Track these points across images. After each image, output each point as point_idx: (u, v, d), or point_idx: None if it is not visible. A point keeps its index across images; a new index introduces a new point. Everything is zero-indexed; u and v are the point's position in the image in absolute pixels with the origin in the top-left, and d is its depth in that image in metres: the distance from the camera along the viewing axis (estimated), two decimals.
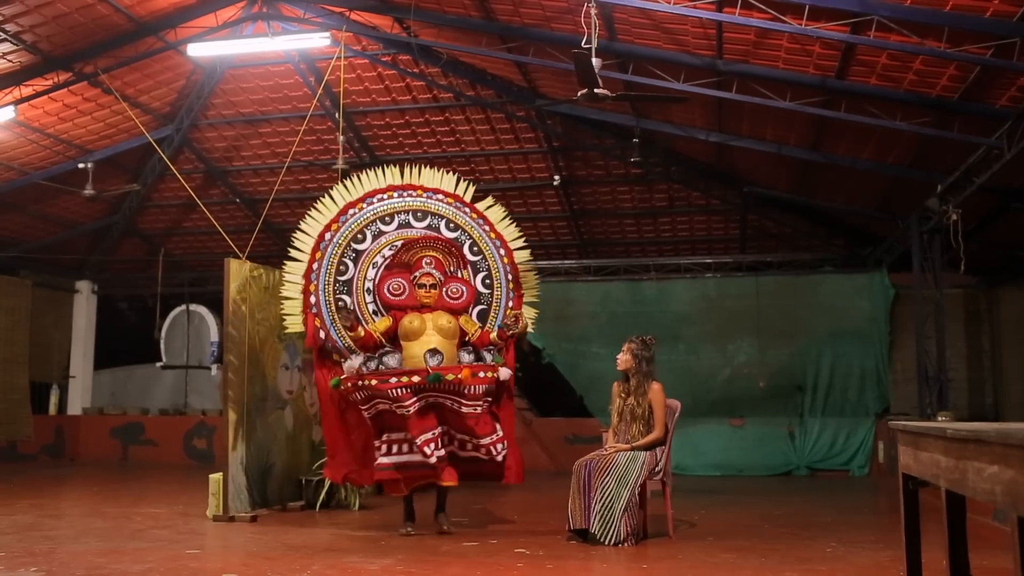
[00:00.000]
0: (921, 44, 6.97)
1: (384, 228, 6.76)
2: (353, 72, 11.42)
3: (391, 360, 6.27)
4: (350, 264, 6.64)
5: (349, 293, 6.57)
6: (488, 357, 6.44)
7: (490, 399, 6.26)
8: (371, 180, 6.88)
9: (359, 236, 6.71)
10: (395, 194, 6.86)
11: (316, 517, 7.39)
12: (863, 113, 8.47)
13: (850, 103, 8.54)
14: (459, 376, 6.07)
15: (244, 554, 5.61)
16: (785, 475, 12.23)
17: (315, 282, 6.53)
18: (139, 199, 14.15)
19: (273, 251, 15.14)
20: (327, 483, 7.65)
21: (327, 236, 6.66)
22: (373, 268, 6.67)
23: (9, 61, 9.80)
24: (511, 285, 6.78)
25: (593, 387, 13.09)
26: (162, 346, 15.88)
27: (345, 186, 6.89)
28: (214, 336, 15.60)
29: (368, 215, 6.77)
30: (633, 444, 6.02)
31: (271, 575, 4.83)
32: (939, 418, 9.47)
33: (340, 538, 6.21)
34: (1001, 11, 6.43)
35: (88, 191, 11.39)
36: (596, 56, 7.57)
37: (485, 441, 6.16)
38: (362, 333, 6.39)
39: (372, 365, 6.25)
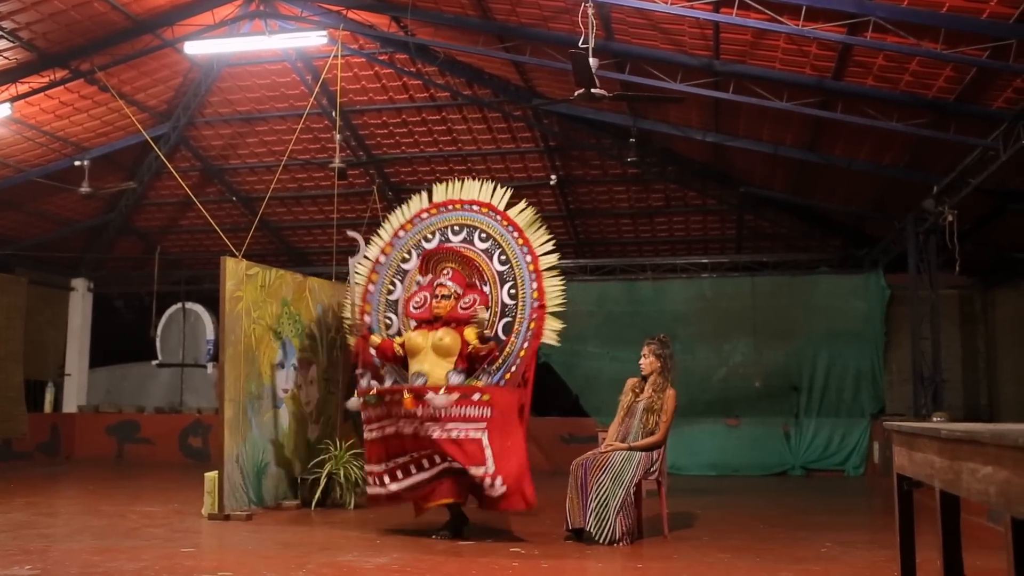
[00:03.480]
0: (918, 45, 6.98)
1: (426, 246, 6.90)
2: (350, 71, 11.41)
3: (388, 380, 6.53)
4: (398, 284, 6.92)
5: (395, 312, 6.84)
6: (483, 379, 6.24)
7: (471, 424, 5.87)
8: (421, 200, 7.10)
9: (406, 256, 6.98)
10: (437, 211, 6.99)
11: (312, 516, 7.38)
12: (860, 114, 8.49)
13: (847, 104, 8.55)
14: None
15: (239, 552, 5.60)
16: (780, 475, 12.25)
17: (371, 303, 6.90)
18: (135, 197, 14.13)
19: (269, 249, 15.17)
20: (322, 481, 7.66)
21: (382, 259, 7.02)
22: (416, 286, 6.81)
23: (5, 58, 9.77)
24: (535, 294, 6.51)
25: (589, 386, 13.11)
26: (158, 344, 15.84)
27: (400, 210, 7.17)
28: (210, 334, 15.59)
29: (415, 234, 6.99)
30: (631, 444, 6.03)
31: (266, 573, 4.83)
32: (934, 419, 9.49)
33: (336, 537, 6.21)
34: (998, 13, 6.44)
35: (84, 189, 11.35)
36: (593, 56, 7.57)
37: (475, 472, 5.81)
38: (378, 340, 6.58)
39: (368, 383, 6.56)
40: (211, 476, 7.14)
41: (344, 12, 10.40)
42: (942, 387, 10.66)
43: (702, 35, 8.37)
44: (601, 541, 5.68)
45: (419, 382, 6.06)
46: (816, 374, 12.65)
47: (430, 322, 6.34)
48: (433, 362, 6.15)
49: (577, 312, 13.66)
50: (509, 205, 6.86)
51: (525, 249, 6.66)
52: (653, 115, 10.87)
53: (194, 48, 10.22)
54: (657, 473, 6.17)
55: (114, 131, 12.17)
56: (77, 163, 11.55)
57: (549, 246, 6.69)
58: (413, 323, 6.51)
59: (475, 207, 6.90)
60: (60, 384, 15.25)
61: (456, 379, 6.12)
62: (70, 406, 15.20)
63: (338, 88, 10.47)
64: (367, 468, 6.32)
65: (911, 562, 3.65)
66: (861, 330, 12.65)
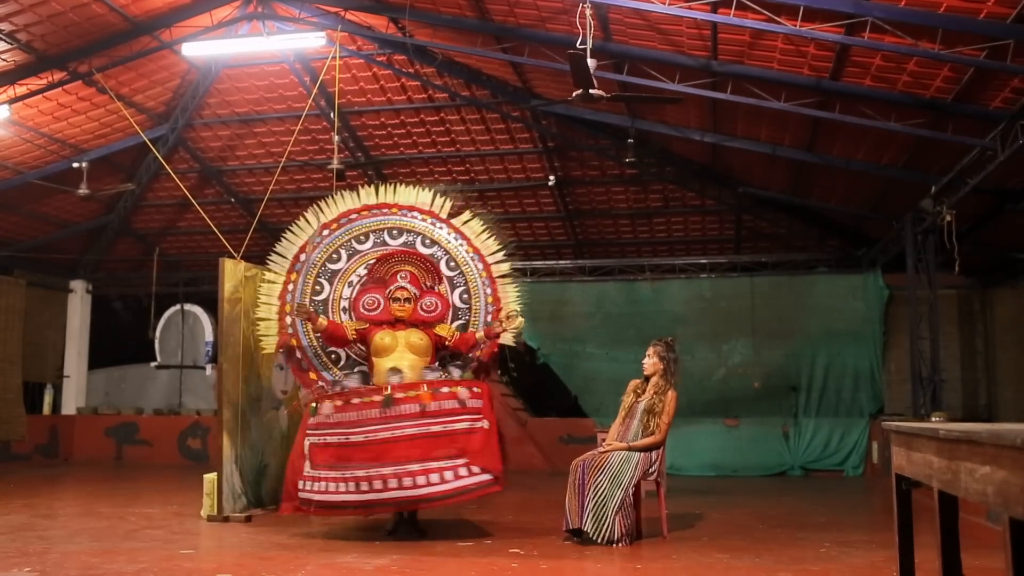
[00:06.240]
0: (915, 45, 6.99)
1: (359, 247, 6.85)
2: (348, 72, 11.41)
3: (351, 382, 6.37)
4: (325, 284, 6.78)
5: (325, 312, 6.65)
6: (456, 373, 6.41)
7: (458, 417, 5.94)
8: (346, 201, 6.96)
9: (334, 256, 6.84)
10: (370, 213, 6.92)
11: (311, 517, 7.37)
12: (857, 114, 8.49)
13: (844, 104, 8.56)
14: (419, 394, 5.91)
15: (238, 554, 5.60)
16: (779, 475, 12.25)
17: (290, 302, 6.64)
18: (134, 199, 14.13)
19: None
20: None
21: (302, 257, 6.84)
22: (348, 287, 6.76)
23: (3, 60, 9.76)
24: (490, 299, 6.74)
25: (588, 387, 13.12)
26: (156, 346, 15.86)
27: (320, 207, 6.98)
28: (208, 336, 15.60)
29: (343, 235, 6.88)
30: (630, 444, 6.04)
31: (265, 575, 4.83)
32: (933, 419, 9.49)
33: (335, 538, 6.21)
34: (994, 13, 6.45)
35: (83, 190, 11.36)
36: (591, 57, 7.58)
37: (446, 464, 5.81)
38: (324, 323, 6.33)
39: (335, 389, 6.32)
40: (210, 478, 7.14)
41: (342, 13, 10.40)
42: (941, 387, 10.66)
43: (700, 35, 8.38)
44: (599, 541, 5.68)
45: (395, 379, 6.09)
46: (815, 374, 12.65)
47: (391, 323, 6.35)
48: (412, 360, 6.23)
49: (576, 313, 13.77)
50: (453, 214, 6.93)
51: (476, 257, 6.82)
52: (651, 116, 10.88)
53: (192, 50, 10.22)
54: (656, 474, 6.17)
55: (112, 133, 12.17)
56: (75, 165, 11.56)
57: (501, 254, 6.85)
58: (363, 324, 6.42)
59: (415, 214, 6.89)
60: (59, 386, 15.24)
61: (432, 375, 6.27)
62: (69, 408, 15.19)
63: (336, 89, 10.47)
64: (307, 472, 5.93)
65: (910, 562, 3.66)
66: (860, 330, 12.66)
